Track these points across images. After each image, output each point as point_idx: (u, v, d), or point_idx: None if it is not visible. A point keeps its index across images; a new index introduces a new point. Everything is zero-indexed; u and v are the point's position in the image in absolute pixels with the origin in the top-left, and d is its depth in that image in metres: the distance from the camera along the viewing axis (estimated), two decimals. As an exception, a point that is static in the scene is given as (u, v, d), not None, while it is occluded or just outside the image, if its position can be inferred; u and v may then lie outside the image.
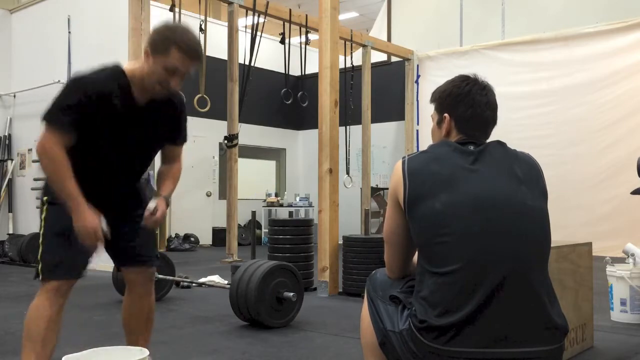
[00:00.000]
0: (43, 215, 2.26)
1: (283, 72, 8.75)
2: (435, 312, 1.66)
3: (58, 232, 2.22)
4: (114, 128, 2.22)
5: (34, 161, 8.97)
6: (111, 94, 2.16)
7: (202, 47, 2.24)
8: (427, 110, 10.13)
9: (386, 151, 11.51)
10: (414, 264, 1.88)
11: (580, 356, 3.15)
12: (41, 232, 2.26)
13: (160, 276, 4.72)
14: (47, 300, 2.19)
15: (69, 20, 9.18)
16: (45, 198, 2.27)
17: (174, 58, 2.12)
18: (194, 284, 5.30)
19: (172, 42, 2.11)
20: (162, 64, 2.13)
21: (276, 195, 11.99)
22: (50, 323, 2.19)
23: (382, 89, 11.07)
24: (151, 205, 2.30)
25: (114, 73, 2.20)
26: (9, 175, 9.54)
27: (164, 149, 2.45)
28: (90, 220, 2.13)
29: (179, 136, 2.46)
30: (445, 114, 1.88)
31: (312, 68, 8.63)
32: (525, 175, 1.78)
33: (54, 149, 2.11)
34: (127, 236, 2.37)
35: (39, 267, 2.22)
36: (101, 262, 4.49)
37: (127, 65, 2.24)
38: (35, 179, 8.37)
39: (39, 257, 2.23)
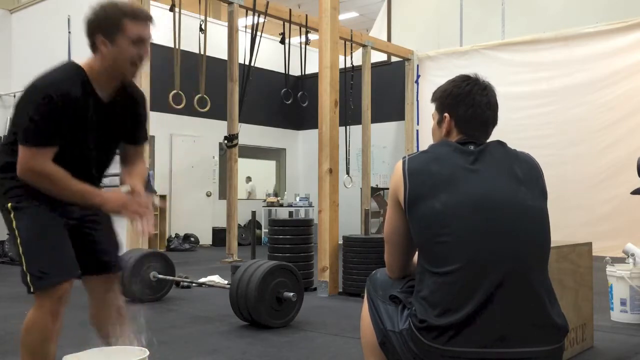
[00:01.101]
0: (14, 225, 2.07)
1: (283, 72, 8.75)
2: (435, 312, 1.66)
3: (37, 236, 2.06)
4: (76, 129, 2.06)
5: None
6: (76, 94, 2.02)
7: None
8: (427, 110, 10.16)
9: (386, 151, 11.51)
10: (414, 264, 1.88)
11: (580, 356, 3.14)
12: (18, 242, 2.06)
13: (160, 276, 4.73)
14: (50, 315, 2.04)
15: (69, 20, 9.18)
16: (9, 205, 2.08)
17: (132, 28, 2.03)
18: (194, 284, 5.29)
19: (119, 16, 2.02)
20: (125, 39, 2.02)
21: (276, 195, 11.99)
22: (55, 339, 2.10)
23: (382, 89, 11.08)
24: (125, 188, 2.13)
25: (73, 71, 2.06)
26: (9, 175, 9.51)
27: (125, 150, 2.31)
28: (117, 197, 2.06)
29: (140, 134, 2.33)
30: (446, 114, 1.88)
31: (312, 68, 8.63)
32: (525, 175, 1.78)
33: (46, 166, 1.99)
34: (89, 237, 2.24)
35: (28, 280, 2.04)
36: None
37: (80, 62, 2.10)
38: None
39: (24, 269, 2.04)
